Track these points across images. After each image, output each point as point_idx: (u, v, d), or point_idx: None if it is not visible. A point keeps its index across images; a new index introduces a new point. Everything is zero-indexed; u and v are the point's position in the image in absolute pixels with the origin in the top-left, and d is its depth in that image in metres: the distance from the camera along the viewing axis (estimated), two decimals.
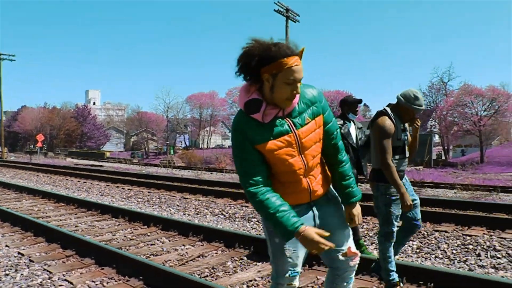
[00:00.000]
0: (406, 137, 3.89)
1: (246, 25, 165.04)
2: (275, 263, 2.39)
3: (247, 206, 9.62)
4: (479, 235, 6.45)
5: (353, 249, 2.46)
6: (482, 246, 5.92)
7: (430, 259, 5.53)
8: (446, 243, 6.17)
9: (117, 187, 14.39)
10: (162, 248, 6.00)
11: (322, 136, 2.32)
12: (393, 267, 3.93)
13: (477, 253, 5.69)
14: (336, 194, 2.50)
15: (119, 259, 5.06)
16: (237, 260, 5.38)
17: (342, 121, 5.25)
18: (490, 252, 5.68)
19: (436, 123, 56.17)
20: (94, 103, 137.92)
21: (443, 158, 50.10)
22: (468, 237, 6.37)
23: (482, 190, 13.98)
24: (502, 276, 4.78)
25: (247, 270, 4.95)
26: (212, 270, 5.00)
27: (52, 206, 10.05)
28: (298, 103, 2.22)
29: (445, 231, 6.74)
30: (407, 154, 3.93)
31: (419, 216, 4.07)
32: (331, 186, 2.50)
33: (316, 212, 2.38)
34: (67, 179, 17.53)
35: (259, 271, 4.86)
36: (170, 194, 12.17)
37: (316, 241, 2.08)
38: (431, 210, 8.37)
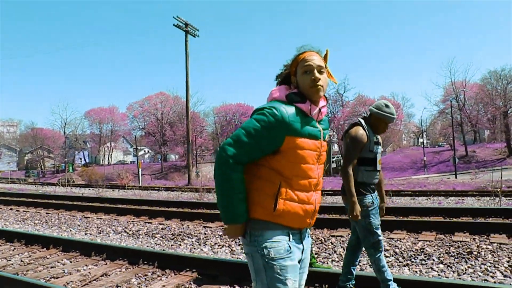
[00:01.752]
0: (378, 150, 3.89)
1: (146, 39, 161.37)
2: None
3: (150, 223, 9.57)
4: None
5: None
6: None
7: (327, 263, 5.90)
8: (341, 247, 6.62)
9: (11, 209, 13.53)
10: (63, 270, 5.80)
11: None
12: (390, 276, 3.90)
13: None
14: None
15: (14, 285, 4.83)
16: (141, 277, 5.36)
17: None
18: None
19: (334, 132, 59.19)
20: None
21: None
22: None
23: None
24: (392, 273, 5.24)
25: (151, 285, 4.96)
26: None
27: None
28: (324, 118, 2.28)
29: (341, 236, 7.24)
30: (379, 167, 3.93)
31: None
32: None
33: (304, 246, 2.23)
34: None
35: (163, 286, 4.90)
36: (70, 214, 11.70)
37: (239, 234, 2.09)
38: (328, 217, 8.88)
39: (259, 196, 2.07)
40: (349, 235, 7.23)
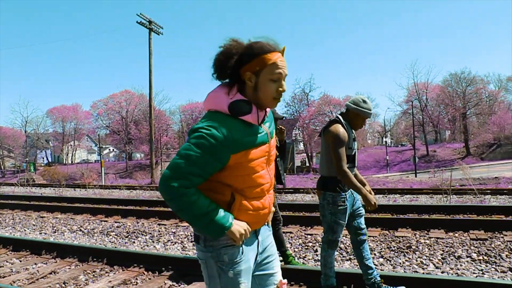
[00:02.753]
0: (356, 147, 3.87)
1: (109, 36, 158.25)
2: None
3: (106, 221, 9.60)
4: (318, 233, 7.27)
5: (283, 280, 2.28)
6: (319, 242, 6.70)
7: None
8: (290, 242, 6.86)
9: None
10: (11, 269, 5.80)
11: None
12: (332, 272, 3.97)
13: (315, 249, 6.43)
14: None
15: None
16: (89, 273, 5.45)
17: None
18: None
19: (299, 131, 59.76)
20: None
21: (307, 164, 53.42)
22: (309, 236, 7.15)
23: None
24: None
25: (98, 281, 5.05)
26: (63, 285, 5.02)
27: None
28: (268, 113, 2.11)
29: (290, 232, 7.47)
30: (356, 164, 3.91)
31: (363, 225, 3.99)
32: None
33: (260, 238, 2.16)
34: None
35: (110, 281, 5.00)
36: (26, 214, 11.56)
37: (244, 232, 1.96)
38: (281, 214, 9.07)
39: None
40: (298, 231, 7.56)
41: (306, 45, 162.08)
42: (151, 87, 28.93)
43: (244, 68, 1.92)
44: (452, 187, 14.62)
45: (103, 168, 31.49)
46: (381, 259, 5.76)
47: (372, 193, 3.89)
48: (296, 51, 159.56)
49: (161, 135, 61.67)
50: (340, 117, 3.82)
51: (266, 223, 2.21)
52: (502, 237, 6.46)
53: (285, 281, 2.28)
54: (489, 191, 13.65)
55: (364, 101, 3.80)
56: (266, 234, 2.21)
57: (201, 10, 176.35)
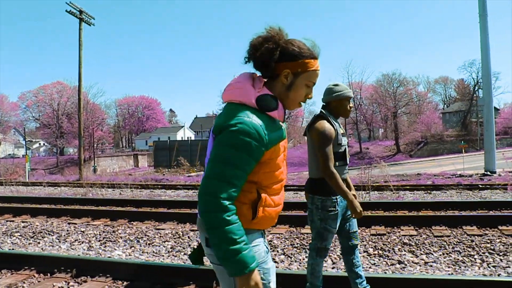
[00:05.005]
0: (346, 142, 3.58)
1: (36, 25, 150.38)
2: None
3: (12, 221, 9.16)
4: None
5: None
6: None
7: (180, 258, 6.06)
8: (197, 240, 6.83)
9: None
10: None
11: None
12: (320, 282, 3.68)
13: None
14: None
15: None
16: None
17: None
18: None
19: None
20: None
21: None
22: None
23: None
24: None
25: None
26: None
27: None
28: None
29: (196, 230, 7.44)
30: (348, 161, 3.60)
31: (355, 228, 3.72)
32: None
33: (266, 242, 2.07)
34: None
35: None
36: None
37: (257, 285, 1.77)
38: (190, 212, 9.12)
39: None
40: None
41: (245, 40, 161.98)
42: (80, 79, 27.88)
43: (284, 64, 1.86)
44: (377, 184, 15.18)
45: (27, 164, 30.05)
46: (282, 256, 5.86)
47: (357, 198, 3.68)
48: (235, 45, 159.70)
49: (95, 130, 59.69)
50: (324, 111, 3.55)
51: None
52: (399, 232, 6.76)
53: None
54: (408, 187, 14.21)
55: (337, 84, 3.59)
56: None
57: (138, 2, 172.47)
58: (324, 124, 3.39)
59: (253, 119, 1.76)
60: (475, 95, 61.84)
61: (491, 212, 8.09)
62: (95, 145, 58.82)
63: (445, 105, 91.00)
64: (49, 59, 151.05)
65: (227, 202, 1.70)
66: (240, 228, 1.73)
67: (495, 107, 76.07)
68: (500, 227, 6.72)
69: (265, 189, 1.90)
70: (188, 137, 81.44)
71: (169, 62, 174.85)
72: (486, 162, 18.83)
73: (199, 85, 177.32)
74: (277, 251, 6.10)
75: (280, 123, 1.94)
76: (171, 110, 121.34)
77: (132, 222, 8.55)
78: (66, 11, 27.04)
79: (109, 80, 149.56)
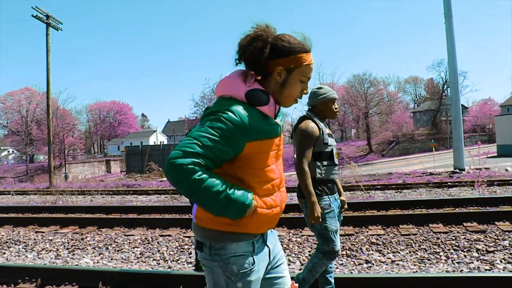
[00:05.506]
0: (333, 143, 3.52)
1: (2, 29, 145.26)
2: None
3: None
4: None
5: (294, 284, 2.16)
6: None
7: (149, 263, 6.01)
8: (166, 246, 6.79)
9: None
10: None
11: None
12: (312, 281, 3.60)
13: (189, 251, 6.42)
14: None
15: None
16: None
17: None
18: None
19: None
20: None
21: None
22: (186, 239, 7.13)
23: None
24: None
25: None
26: None
27: None
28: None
29: (169, 235, 7.41)
30: (337, 161, 3.55)
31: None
32: None
33: (270, 246, 2.01)
34: None
35: None
36: None
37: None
38: (160, 217, 9.13)
39: None
40: (177, 234, 7.50)
41: (217, 43, 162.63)
42: (48, 85, 27.36)
43: (276, 61, 1.84)
44: (348, 184, 15.35)
45: None
46: None
47: (345, 206, 3.77)
48: (207, 49, 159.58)
49: (65, 136, 58.63)
50: (309, 113, 3.54)
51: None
52: (367, 232, 6.85)
53: (297, 285, 2.17)
54: (379, 187, 14.41)
55: (320, 87, 3.58)
56: (275, 241, 2.08)
57: (107, 6, 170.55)
58: (308, 123, 3.40)
59: (239, 109, 1.75)
60: (444, 94, 63.18)
61: (457, 209, 8.26)
62: (66, 152, 57.80)
63: (416, 105, 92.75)
64: (16, 65, 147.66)
65: (191, 167, 1.64)
66: (216, 178, 1.70)
67: (463, 106, 78.26)
68: (465, 224, 6.89)
69: (253, 189, 1.83)
70: (160, 142, 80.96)
71: (140, 67, 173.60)
72: (455, 160, 19.24)
73: (171, 89, 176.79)
74: None
75: (277, 120, 1.92)
76: (143, 114, 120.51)
77: (101, 229, 8.44)
78: (32, 15, 26.53)
79: (80, 86, 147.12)
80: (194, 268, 5.14)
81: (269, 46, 1.82)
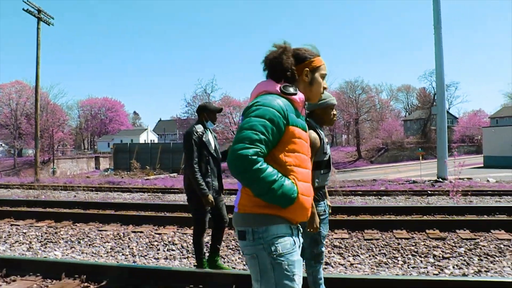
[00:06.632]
0: (329, 151, 3.53)
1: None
2: None
3: None
4: (167, 232, 7.44)
5: None
6: (165, 241, 6.86)
7: (117, 258, 6.16)
8: (136, 241, 6.95)
9: None
10: None
11: None
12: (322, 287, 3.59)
13: (158, 248, 6.58)
14: None
15: None
16: None
17: (202, 128, 5.01)
18: (169, 246, 6.64)
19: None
20: None
21: None
22: (157, 235, 7.29)
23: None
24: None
25: None
26: None
27: None
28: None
29: (141, 232, 7.57)
30: (332, 168, 3.61)
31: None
32: None
33: (299, 243, 2.17)
34: None
35: None
36: None
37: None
38: (136, 213, 9.26)
39: None
40: (148, 231, 7.63)
41: (209, 46, 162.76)
42: (38, 79, 27.44)
43: (301, 66, 2.26)
44: (331, 189, 15.51)
45: None
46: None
47: (329, 211, 3.70)
48: (199, 51, 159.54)
49: (54, 131, 58.40)
50: (311, 121, 3.44)
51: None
52: (332, 235, 7.02)
53: None
54: (360, 193, 14.58)
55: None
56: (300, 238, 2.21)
57: (103, 2, 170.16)
58: (311, 134, 3.30)
59: (276, 99, 2.07)
60: (434, 103, 63.69)
61: (425, 217, 8.46)
62: (55, 147, 57.58)
63: (407, 113, 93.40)
64: (7, 58, 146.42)
65: (254, 157, 1.89)
66: (271, 168, 1.94)
67: (453, 116, 79.00)
68: (427, 231, 7.09)
69: (295, 173, 2.04)
70: (151, 140, 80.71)
71: (134, 64, 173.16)
72: (439, 169, 19.52)
73: (164, 88, 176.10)
74: None
75: (303, 117, 2.21)
76: (135, 112, 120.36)
77: (76, 224, 8.56)
78: (24, 9, 26.54)
79: (72, 81, 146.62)
80: (195, 265, 5.23)
81: (293, 56, 2.22)
